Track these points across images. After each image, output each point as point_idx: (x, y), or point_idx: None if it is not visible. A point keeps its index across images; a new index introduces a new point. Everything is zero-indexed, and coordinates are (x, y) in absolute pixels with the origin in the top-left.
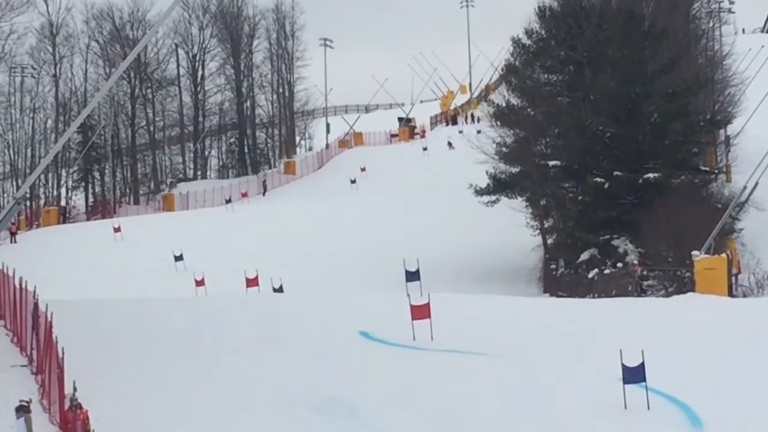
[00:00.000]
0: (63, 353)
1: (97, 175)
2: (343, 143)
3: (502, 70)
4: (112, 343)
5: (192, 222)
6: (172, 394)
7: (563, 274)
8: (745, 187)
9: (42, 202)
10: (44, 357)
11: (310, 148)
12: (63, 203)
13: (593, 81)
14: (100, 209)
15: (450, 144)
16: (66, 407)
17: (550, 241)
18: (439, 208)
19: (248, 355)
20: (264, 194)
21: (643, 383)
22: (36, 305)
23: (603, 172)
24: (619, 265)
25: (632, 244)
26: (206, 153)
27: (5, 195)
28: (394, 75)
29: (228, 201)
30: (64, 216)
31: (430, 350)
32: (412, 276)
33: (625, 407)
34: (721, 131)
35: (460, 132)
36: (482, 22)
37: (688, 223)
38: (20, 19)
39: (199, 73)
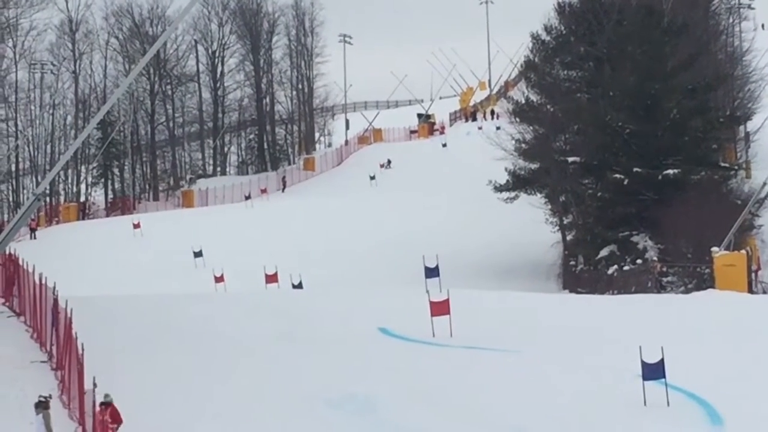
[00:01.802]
0: (83, 349)
1: (116, 171)
2: (363, 139)
3: (522, 66)
4: (131, 339)
5: (211, 218)
6: (191, 390)
7: (582, 271)
8: (765, 183)
9: (62, 198)
10: (64, 353)
11: (330, 145)
12: (82, 199)
13: (613, 77)
14: (119, 205)
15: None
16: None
17: (569, 238)
18: (458, 204)
19: (267, 351)
20: (283, 191)
21: (663, 380)
22: (56, 301)
23: (622, 168)
24: (639, 261)
25: (652, 241)
26: (226, 149)
27: (25, 191)
28: (414, 71)
29: (247, 197)
30: (84, 212)
31: (449, 346)
32: (432, 272)
33: (645, 404)
34: (741, 127)
35: (480, 128)
36: (501, 18)
37: (708, 220)
38: (40, 15)
39: (219, 69)
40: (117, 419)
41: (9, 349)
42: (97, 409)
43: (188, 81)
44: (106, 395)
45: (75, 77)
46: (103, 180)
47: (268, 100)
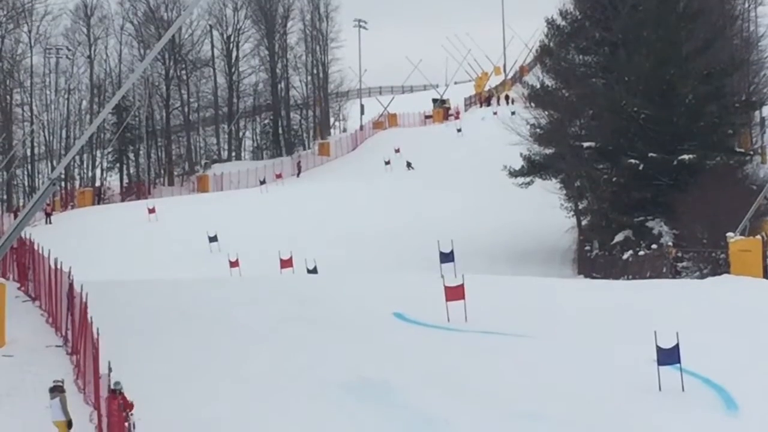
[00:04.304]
0: (98, 334)
1: (131, 156)
2: (378, 124)
3: (537, 51)
4: (146, 324)
5: (226, 203)
6: (206, 374)
7: (597, 256)
8: None
9: (77, 183)
10: (79, 337)
11: (345, 130)
12: (98, 184)
13: (628, 62)
14: (134, 190)
15: (408, 165)
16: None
17: (584, 223)
18: (473, 189)
19: (282, 336)
20: (298, 175)
21: (678, 365)
22: (71, 286)
23: (638, 153)
24: (654, 246)
25: (667, 226)
26: (240, 134)
27: (40, 176)
28: (429, 56)
29: (262, 182)
30: (99, 197)
31: (464, 331)
32: (447, 257)
33: (660, 389)
34: (757, 113)
35: (495, 113)
36: (516, 2)
37: (723, 205)
38: (55, 0)
39: (234, 54)
40: (128, 406)
41: (24, 334)
42: (105, 395)
43: (203, 66)
44: (116, 383)
45: (90, 62)
46: (118, 165)
47: (283, 85)
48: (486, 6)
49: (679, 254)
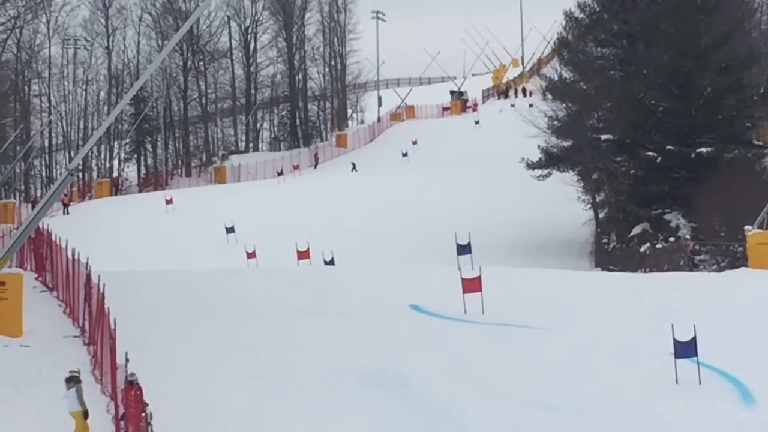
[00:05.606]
0: (115, 324)
1: (149, 147)
2: (395, 116)
3: (555, 43)
4: (163, 314)
5: (243, 194)
6: (223, 365)
7: (615, 249)
8: None
9: (94, 174)
10: (96, 328)
11: (362, 121)
12: (115, 175)
13: (646, 55)
14: (152, 181)
15: (353, 166)
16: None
17: (601, 215)
18: (491, 181)
19: (299, 327)
20: (316, 167)
21: (695, 358)
22: (88, 276)
23: (655, 146)
24: (671, 239)
25: (684, 219)
26: (258, 125)
27: (58, 166)
28: (447, 48)
29: (280, 174)
30: (117, 188)
31: (481, 323)
32: (464, 249)
33: (677, 382)
34: None
35: (512, 105)
36: None
37: (741, 198)
38: None
39: (252, 45)
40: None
41: (42, 324)
42: (122, 385)
43: (221, 57)
44: (131, 374)
45: (108, 53)
46: (135, 156)
47: (300, 76)
48: None
49: (697, 247)
